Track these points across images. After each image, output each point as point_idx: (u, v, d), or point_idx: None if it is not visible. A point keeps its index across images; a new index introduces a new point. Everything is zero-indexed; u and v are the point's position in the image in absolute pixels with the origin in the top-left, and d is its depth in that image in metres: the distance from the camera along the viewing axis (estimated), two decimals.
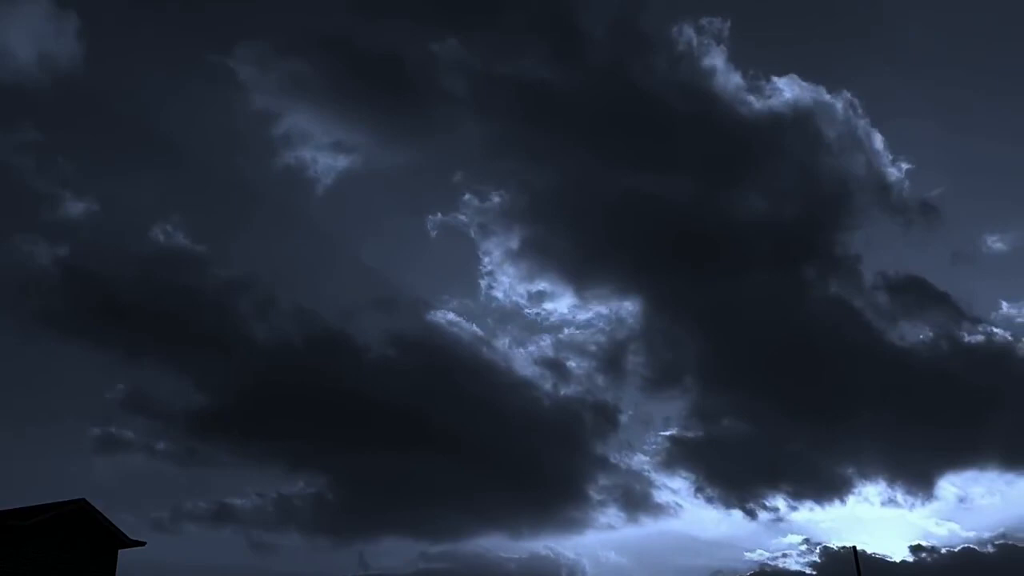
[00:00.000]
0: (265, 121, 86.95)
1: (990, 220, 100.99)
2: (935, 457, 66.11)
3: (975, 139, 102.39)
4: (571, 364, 77.47)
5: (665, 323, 76.90)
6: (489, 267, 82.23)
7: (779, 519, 66.72)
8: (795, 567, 62.93)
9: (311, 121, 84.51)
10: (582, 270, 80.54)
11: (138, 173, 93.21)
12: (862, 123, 79.82)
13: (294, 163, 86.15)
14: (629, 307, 78.39)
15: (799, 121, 77.88)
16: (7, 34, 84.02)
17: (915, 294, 73.65)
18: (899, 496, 66.20)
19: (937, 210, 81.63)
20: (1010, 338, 71.97)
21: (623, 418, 76.13)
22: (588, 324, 79.70)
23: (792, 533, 68.36)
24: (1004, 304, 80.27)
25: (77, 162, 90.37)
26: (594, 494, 69.24)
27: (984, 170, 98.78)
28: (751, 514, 66.27)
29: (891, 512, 67.30)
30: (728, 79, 78.86)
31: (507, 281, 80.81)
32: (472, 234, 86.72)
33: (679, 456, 71.82)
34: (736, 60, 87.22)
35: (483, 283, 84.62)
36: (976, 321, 71.67)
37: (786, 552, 65.18)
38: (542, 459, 70.10)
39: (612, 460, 71.54)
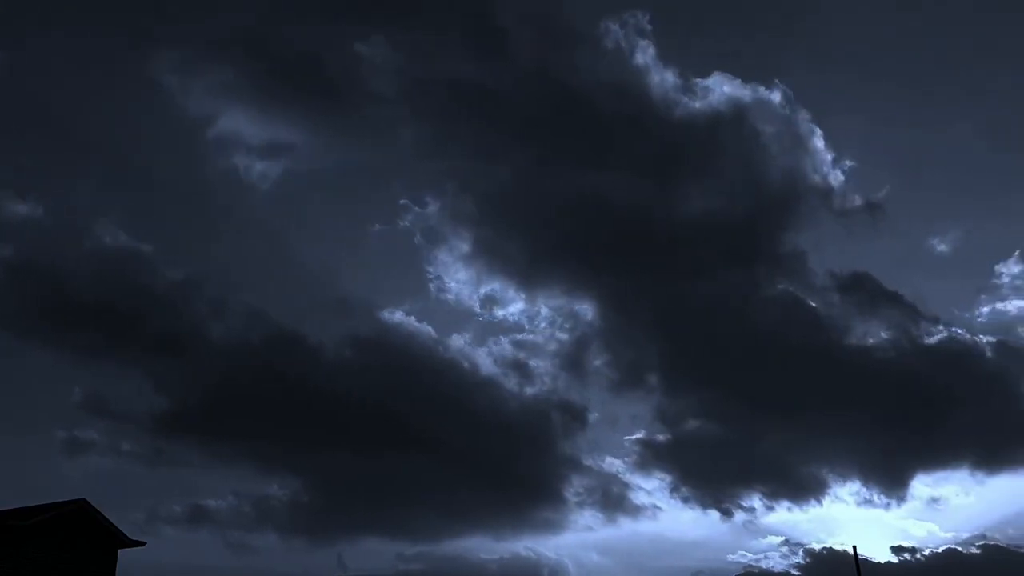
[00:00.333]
0: (198, 124, 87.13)
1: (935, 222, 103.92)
2: (905, 457, 66.34)
3: (911, 134, 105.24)
4: (533, 364, 77.86)
5: (622, 323, 77.77)
6: (436, 269, 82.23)
7: (756, 520, 67.14)
8: (779, 569, 63.30)
9: (244, 123, 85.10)
10: (530, 271, 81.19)
11: (75, 174, 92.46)
12: (803, 119, 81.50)
13: (229, 165, 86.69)
14: (583, 307, 79.25)
15: (736, 119, 79.21)
16: None
17: (866, 293, 74.58)
18: (875, 496, 66.15)
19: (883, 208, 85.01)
20: (968, 336, 72.80)
21: (591, 417, 76.80)
22: (541, 324, 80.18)
23: (771, 534, 69.17)
24: (955, 303, 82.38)
25: (14, 163, 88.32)
26: (570, 496, 69.73)
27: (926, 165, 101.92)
28: (727, 513, 66.74)
29: (868, 513, 67.46)
30: (662, 76, 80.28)
31: (454, 285, 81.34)
32: (417, 237, 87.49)
33: (652, 457, 72.63)
34: (665, 58, 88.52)
35: (432, 286, 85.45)
36: (933, 321, 72.62)
37: (767, 553, 65.70)
38: (514, 459, 70.35)
39: (585, 462, 72.26)
